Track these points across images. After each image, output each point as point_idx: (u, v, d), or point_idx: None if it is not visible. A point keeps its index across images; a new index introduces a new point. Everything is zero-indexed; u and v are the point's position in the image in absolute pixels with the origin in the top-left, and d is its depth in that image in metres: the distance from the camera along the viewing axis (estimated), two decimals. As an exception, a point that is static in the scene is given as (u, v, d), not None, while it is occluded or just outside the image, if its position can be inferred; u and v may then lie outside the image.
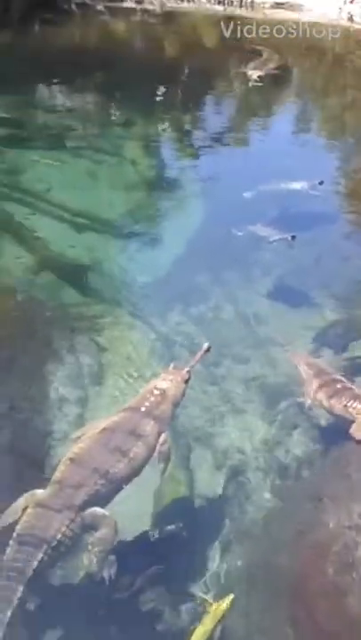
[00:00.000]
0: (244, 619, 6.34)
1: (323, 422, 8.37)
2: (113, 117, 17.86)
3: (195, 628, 6.19)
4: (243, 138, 17.48)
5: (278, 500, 7.44)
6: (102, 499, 6.18)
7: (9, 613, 5.37)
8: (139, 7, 27.88)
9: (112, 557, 6.20)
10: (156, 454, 6.64)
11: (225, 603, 6.31)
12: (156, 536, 6.75)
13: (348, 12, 26.63)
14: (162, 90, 19.63)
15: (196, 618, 6.33)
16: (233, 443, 8.14)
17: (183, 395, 7.09)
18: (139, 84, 19.72)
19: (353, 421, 7.83)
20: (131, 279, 10.07)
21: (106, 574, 6.15)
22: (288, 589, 6.44)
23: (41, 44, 23.06)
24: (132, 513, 7.13)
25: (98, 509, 6.10)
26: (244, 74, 20.68)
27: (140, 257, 11.60)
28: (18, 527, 5.85)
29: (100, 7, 27.23)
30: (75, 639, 6.18)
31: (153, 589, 6.44)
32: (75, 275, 10.43)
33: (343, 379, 8.36)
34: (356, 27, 25.99)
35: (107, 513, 6.16)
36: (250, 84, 20.26)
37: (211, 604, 6.31)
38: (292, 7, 27.95)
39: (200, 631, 6.14)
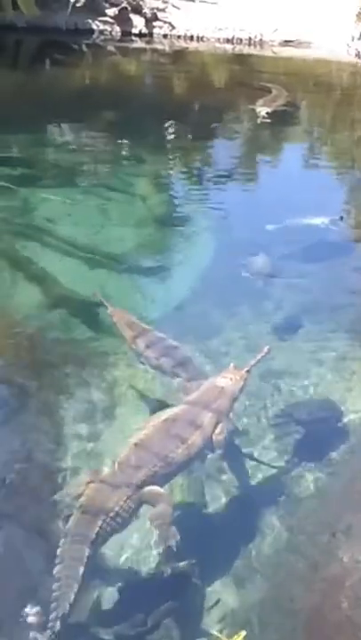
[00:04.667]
0: (258, 655, 6.29)
1: (336, 455, 8.34)
2: (123, 155, 18.04)
3: (209, 666, 6.15)
4: (252, 173, 17.63)
5: (291, 534, 7.38)
6: (160, 479, 6.79)
7: (82, 570, 6.00)
8: (148, 47, 28.32)
9: (173, 529, 6.60)
10: (213, 443, 7.27)
11: (238, 639, 6.24)
12: (169, 572, 6.71)
13: (356, 49, 26.99)
14: (172, 127, 19.84)
15: (209, 655, 6.29)
16: (245, 476, 8.10)
17: (241, 391, 7.74)
18: (149, 121, 19.97)
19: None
20: (142, 314, 10.08)
21: (170, 544, 6.58)
22: (302, 624, 6.38)
23: (52, 83, 23.42)
24: (144, 549, 7.15)
25: (155, 487, 6.71)
26: (253, 110, 20.88)
27: (151, 292, 11.65)
28: (81, 499, 6.52)
29: (110, 47, 27.64)
30: None
31: (166, 626, 6.40)
32: (86, 311, 10.47)
33: (161, 334, 9.01)
34: (364, 63, 26.31)
35: (163, 491, 6.78)
36: (259, 120, 20.45)
37: (224, 641, 6.25)
38: (300, 44, 28.36)
39: (214, 668, 6.08)
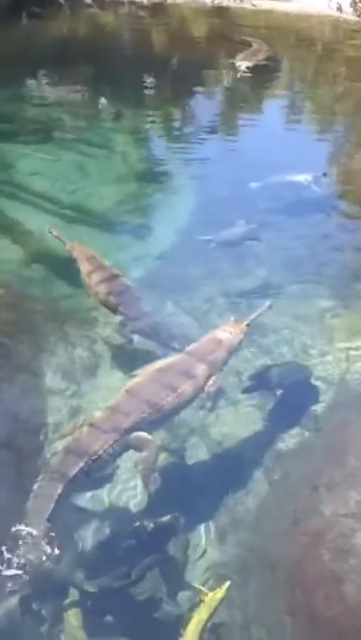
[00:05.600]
0: (240, 607, 6.36)
1: (318, 409, 8.38)
2: (102, 110, 17.78)
3: (191, 617, 6.20)
4: (233, 129, 17.43)
5: (274, 488, 7.44)
6: (148, 426, 6.93)
7: (51, 506, 6.20)
8: (127, 0, 27.78)
9: (155, 475, 6.91)
10: (204, 394, 7.43)
11: (220, 591, 6.30)
12: (152, 526, 6.77)
13: (337, 3, 26.60)
14: (151, 82, 19.58)
15: (193, 606, 6.34)
16: (228, 432, 8.14)
17: (239, 344, 7.90)
18: (128, 76, 19.70)
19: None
20: (123, 271, 10.02)
21: (152, 488, 6.92)
22: (284, 577, 6.45)
23: (29, 37, 23.00)
24: (128, 503, 7.18)
25: (142, 433, 6.85)
26: (233, 65, 20.60)
27: (132, 249, 11.57)
28: (68, 440, 6.83)
29: (87, 0, 27.11)
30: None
31: (149, 579, 6.48)
32: (66, 268, 10.35)
33: (116, 271, 9.39)
34: (345, 17, 25.97)
35: (150, 437, 6.90)
36: (239, 74, 20.17)
37: (206, 594, 6.30)
38: (281, -3, 27.89)
39: (195, 620, 6.14)
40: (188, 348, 7.74)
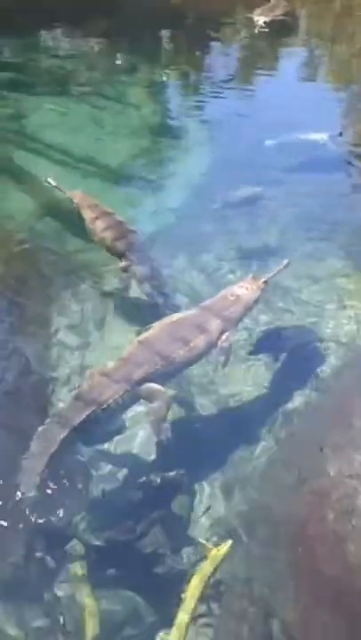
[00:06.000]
0: (244, 563, 6.40)
1: (326, 370, 8.36)
2: (117, 62, 17.62)
3: (194, 572, 6.27)
4: (248, 84, 17.24)
5: (280, 447, 7.46)
6: (160, 377, 6.95)
7: (52, 450, 6.29)
8: None
9: (166, 425, 6.98)
10: (217, 349, 7.40)
11: (224, 547, 6.36)
12: (159, 480, 6.81)
13: None
14: (167, 35, 19.35)
15: (196, 562, 6.42)
16: (235, 390, 8.15)
17: (256, 301, 7.89)
18: (143, 29, 19.42)
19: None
20: (135, 226, 9.98)
21: (162, 438, 6.96)
22: (288, 535, 6.47)
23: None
24: (134, 459, 7.22)
25: (154, 385, 6.88)
26: (251, 20, 20.32)
27: (145, 203, 11.52)
28: (80, 388, 6.92)
29: None
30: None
31: (154, 534, 6.52)
32: (78, 221, 10.32)
33: (119, 217, 9.45)
34: (367, -28, 25.49)
35: (162, 388, 6.94)
36: (256, 30, 19.91)
37: (210, 549, 6.36)
38: None
39: (199, 575, 6.20)
40: (205, 303, 7.74)
